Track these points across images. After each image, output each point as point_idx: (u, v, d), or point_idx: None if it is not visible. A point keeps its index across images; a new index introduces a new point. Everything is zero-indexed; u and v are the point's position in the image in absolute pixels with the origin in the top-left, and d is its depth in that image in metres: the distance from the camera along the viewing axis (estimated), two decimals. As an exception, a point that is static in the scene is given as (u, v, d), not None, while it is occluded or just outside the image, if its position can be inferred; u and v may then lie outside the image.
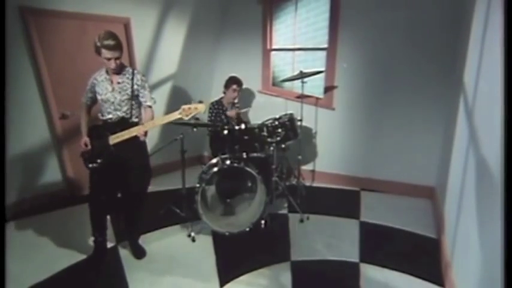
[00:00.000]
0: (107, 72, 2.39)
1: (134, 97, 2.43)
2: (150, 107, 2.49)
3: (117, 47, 2.24)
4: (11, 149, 3.17)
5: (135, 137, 2.34)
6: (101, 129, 2.43)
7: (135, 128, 2.35)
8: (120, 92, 2.38)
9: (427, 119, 3.52)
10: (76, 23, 3.33)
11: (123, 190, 2.61)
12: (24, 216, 3.22)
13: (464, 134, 2.32)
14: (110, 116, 2.41)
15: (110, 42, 2.19)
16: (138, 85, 2.43)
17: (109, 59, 2.24)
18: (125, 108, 2.42)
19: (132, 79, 2.40)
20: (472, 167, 1.97)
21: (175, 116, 2.33)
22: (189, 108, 2.31)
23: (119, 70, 2.37)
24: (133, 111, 2.46)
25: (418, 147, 3.62)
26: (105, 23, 3.49)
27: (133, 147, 2.40)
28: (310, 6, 3.92)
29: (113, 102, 2.38)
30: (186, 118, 2.34)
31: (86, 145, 2.43)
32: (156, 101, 2.58)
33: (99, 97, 2.41)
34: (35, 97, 3.26)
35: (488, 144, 1.69)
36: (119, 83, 2.39)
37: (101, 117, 2.46)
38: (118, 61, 2.29)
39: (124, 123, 2.40)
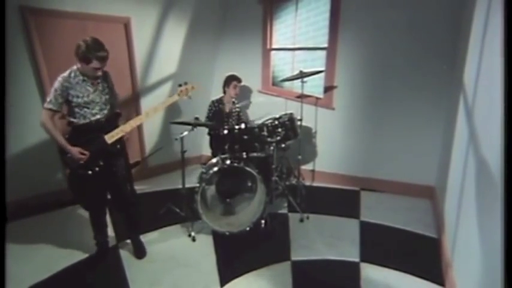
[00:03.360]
0: (82, 74, 2.26)
1: (113, 95, 2.45)
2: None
3: (108, 57, 2.22)
4: (11, 149, 3.17)
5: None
6: (86, 132, 2.31)
7: (137, 118, 2.40)
8: (102, 92, 2.37)
9: (427, 119, 3.52)
10: (76, 22, 3.33)
11: (113, 187, 2.53)
12: (24, 216, 3.22)
13: (464, 134, 2.32)
14: (97, 116, 2.35)
15: (103, 53, 2.16)
16: (111, 84, 2.46)
17: (97, 69, 2.22)
18: (108, 107, 2.41)
19: (106, 79, 2.41)
20: (472, 167, 1.97)
21: (175, 98, 2.57)
22: (186, 89, 2.58)
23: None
24: (117, 109, 2.49)
25: (418, 147, 3.63)
26: (105, 23, 3.49)
27: (115, 142, 2.40)
28: (311, 6, 3.92)
29: (98, 103, 2.34)
30: (186, 97, 2.59)
31: (83, 153, 2.27)
32: (157, 100, 2.63)
33: (78, 100, 2.25)
34: (35, 97, 3.25)
35: (488, 144, 1.69)
36: (98, 83, 2.36)
37: (80, 121, 2.31)
38: (102, 69, 2.27)
39: (116, 120, 2.42)
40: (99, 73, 2.25)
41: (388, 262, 2.56)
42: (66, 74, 2.26)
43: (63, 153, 2.30)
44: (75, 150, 2.25)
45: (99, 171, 2.35)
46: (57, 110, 2.26)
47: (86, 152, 2.28)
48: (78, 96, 2.26)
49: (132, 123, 2.40)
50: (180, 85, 2.65)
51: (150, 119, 2.58)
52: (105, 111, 2.39)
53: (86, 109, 2.30)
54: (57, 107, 2.24)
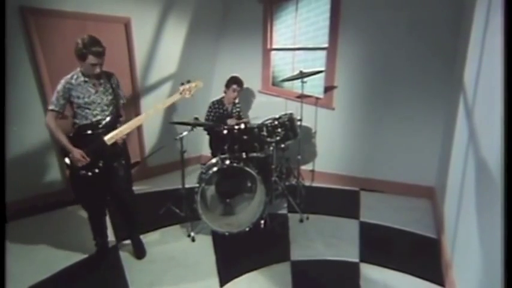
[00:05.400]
0: (84, 75, 2.29)
1: (116, 96, 2.45)
2: (123, 105, 2.58)
3: (104, 53, 2.23)
4: (11, 149, 3.17)
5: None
6: (87, 133, 2.32)
7: (136, 119, 2.39)
8: (104, 93, 2.38)
9: (427, 119, 3.52)
10: (76, 22, 3.33)
11: (112, 188, 2.53)
12: (24, 216, 3.22)
13: (464, 134, 2.32)
14: (98, 117, 2.36)
15: (98, 48, 2.17)
16: (115, 85, 2.46)
17: (95, 65, 2.22)
18: (110, 108, 2.42)
19: (110, 80, 2.42)
20: (472, 167, 1.97)
21: (176, 96, 2.50)
22: (189, 87, 2.50)
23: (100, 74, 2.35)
24: (120, 110, 2.50)
25: (418, 147, 3.62)
26: (105, 23, 3.49)
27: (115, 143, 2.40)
28: (311, 6, 3.92)
29: (99, 104, 2.35)
30: (188, 96, 2.51)
31: (84, 157, 2.27)
32: (156, 100, 2.60)
33: (79, 101, 2.28)
34: (35, 97, 3.25)
35: (488, 144, 1.68)
36: (101, 84, 2.37)
37: (82, 122, 2.33)
38: (101, 66, 2.27)
39: (116, 122, 2.42)
40: (98, 70, 2.25)
41: (388, 262, 2.56)
42: (69, 76, 2.31)
43: (65, 154, 2.31)
44: (76, 152, 2.26)
45: (99, 172, 2.35)
46: (59, 111, 2.30)
47: (86, 157, 2.27)
48: (79, 97, 2.29)
49: (132, 125, 2.38)
50: (182, 83, 2.54)
51: (149, 118, 2.56)
52: (107, 113, 2.40)
53: (87, 110, 2.32)
54: (59, 108, 2.29)
